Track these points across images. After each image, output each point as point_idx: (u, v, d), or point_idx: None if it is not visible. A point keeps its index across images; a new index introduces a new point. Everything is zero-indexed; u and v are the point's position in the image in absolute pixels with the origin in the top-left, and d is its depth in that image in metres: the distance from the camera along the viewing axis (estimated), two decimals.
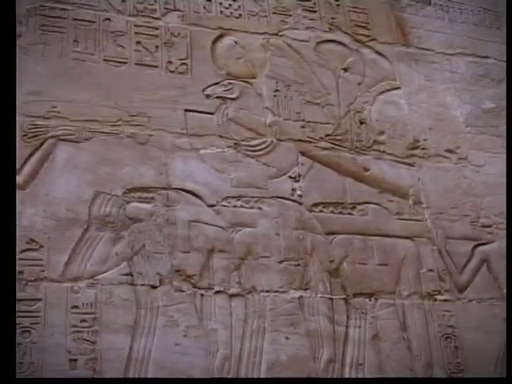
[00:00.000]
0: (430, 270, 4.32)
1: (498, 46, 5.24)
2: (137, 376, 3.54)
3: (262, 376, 3.75)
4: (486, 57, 5.17)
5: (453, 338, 4.19)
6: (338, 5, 4.86)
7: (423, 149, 4.64)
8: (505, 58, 5.21)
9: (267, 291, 3.92)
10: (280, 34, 4.61)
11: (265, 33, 4.57)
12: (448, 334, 4.19)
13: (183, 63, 4.29)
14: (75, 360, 3.46)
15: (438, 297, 4.27)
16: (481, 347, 4.21)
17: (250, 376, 3.74)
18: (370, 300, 4.12)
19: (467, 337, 4.21)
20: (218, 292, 3.84)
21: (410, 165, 4.56)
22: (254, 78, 4.43)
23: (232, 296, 3.86)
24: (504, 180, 4.75)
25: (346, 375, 3.90)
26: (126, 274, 3.72)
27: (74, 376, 3.43)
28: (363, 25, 4.88)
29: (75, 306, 3.56)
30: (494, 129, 4.93)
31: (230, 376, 3.69)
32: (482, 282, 4.42)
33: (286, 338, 3.86)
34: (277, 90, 4.44)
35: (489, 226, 4.59)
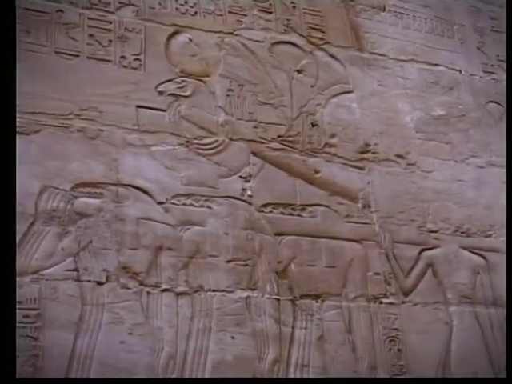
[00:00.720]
0: (377, 274, 4.36)
1: (450, 55, 5.32)
2: (79, 374, 3.48)
3: (207, 376, 3.73)
4: (437, 64, 5.24)
5: (397, 340, 4.23)
6: (294, 7, 4.86)
7: (373, 153, 4.69)
8: (456, 67, 5.31)
9: (214, 290, 3.91)
10: (235, 33, 4.59)
11: (220, 31, 4.55)
12: (392, 336, 4.23)
13: (137, 59, 4.25)
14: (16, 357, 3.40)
15: (384, 300, 4.31)
16: (423, 350, 4.27)
17: (194, 375, 3.72)
18: (317, 302, 4.14)
19: (411, 340, 4.26)
20: (164, 290, 3.81)
21: (360, 168, 4.60)
22: (207, 76, 4.41)
23: (179, 294, 3.83)
24: (451, 186, 4.84)
25: (291, 376, 3.91)
26: (72, 270, 3.66)
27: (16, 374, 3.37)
28: (318, 27, 4.89)
29: (18, 302, 3.48)
30: (443, 136, 5.00)
31: (174, 375, 3.67)
32: (426, 286, 4.48)
33: (232, 337, 3.85)
34: (230, 90, 4.43)
35: (435, 232, 4.66)
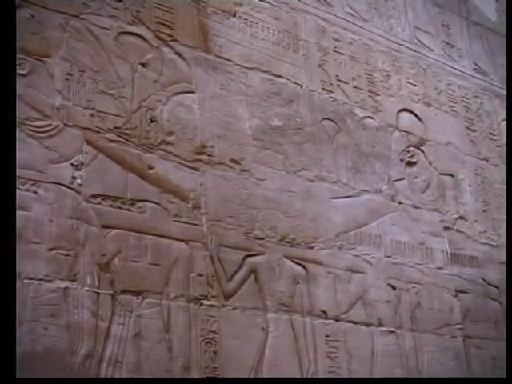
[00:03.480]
0: (200, 275, 4.37)
1: (293, 68, 5.45)
2: None
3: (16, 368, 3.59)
4: (280, 76, 5.34)
5: (213, 343, 4.27)
6: None
7: (209, 155, 4.70)
8: (297, 81, 5.44)
9: (32, 278, 3.76)
10: (81, 16, 4.44)
11: (65, 13, 4.37)
12: (209, 338, 4.26)
13: None
14: None
15: (205, 302, 4.33)
16: (238, 354, 4.33)
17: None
18: (138, 298, 4.09)
19: (227, 343, 4.31)
20: None
21: (195, 169, 4.60)
22: (47, 57, 4.23)
23: None
24: (281, 196, 4.95)
25: (103, 372, 3.83)
26: None
27: None
28: (167, 24, 4.85)
29: None
30: (279, 146, 5.11)
31: None
32: (247, 291, 4.55)
33: (45, 328, 3.72)
34: (70, 74, 4.28)
35: (261, 239, 4.74)
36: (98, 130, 4.29)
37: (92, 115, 4.29)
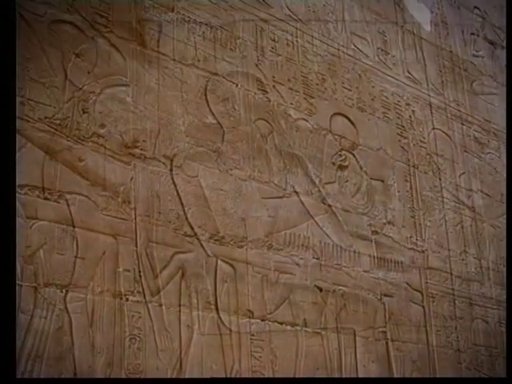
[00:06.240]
0: (127, 270, 4.33)
1: (229, 66, 5.44)
2: None
3: None
4: (216, 74, 5.33)
5: (137, 339, 4.23)
6: None
7: (141, 150, 4.65)
8: (233, 79, 5.43)
9: None
10: None
11: None
12: (133, 335, 4.22)
13: None
14: None
15: (130, 297, 4.29)
16: (162, 351, 4.30)
17: None
18: (62, 292, 4.02)
19: (151, 340, 4.28)
20: None
21: (126, 163, 4.54)
22: None
23: None
24: (212, 194, 4.94)
25: (22, 366, 3.74)
26: None
27: None
28: (104, 14, 4.77)
29: None
30: (212, 144, 5.09)
31: None
32: (174, 288, 4.52)
33: None
34: None
35: (190, 236, 4.72)
36: (28, 118, 4.19)
37: (22, 103, 4.19)
